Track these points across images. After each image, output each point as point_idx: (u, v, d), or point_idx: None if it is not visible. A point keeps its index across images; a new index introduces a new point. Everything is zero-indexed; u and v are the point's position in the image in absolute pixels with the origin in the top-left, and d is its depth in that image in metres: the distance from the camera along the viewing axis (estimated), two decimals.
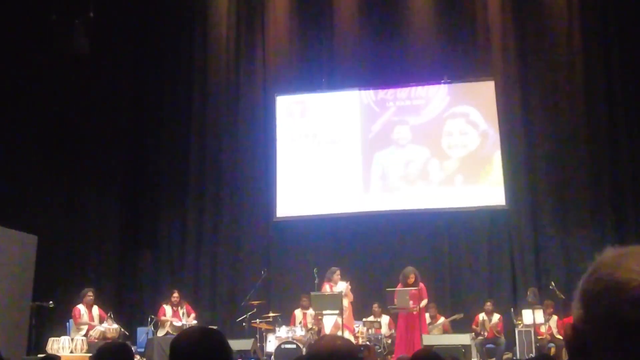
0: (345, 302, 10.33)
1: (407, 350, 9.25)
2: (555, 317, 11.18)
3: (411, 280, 10.20)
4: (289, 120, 13.59)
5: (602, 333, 0.99)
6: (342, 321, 10.01)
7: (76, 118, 13.23)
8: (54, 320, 11.04)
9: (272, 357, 10.16)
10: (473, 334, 11.15)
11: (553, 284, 11.08)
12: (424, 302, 10.33)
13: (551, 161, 12.66)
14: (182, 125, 13.89)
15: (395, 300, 10.05)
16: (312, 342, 9.94)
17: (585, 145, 12.50)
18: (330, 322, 10.23)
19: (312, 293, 10.41)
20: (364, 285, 11.65)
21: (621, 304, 0.97)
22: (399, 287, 10.18)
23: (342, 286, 10.45)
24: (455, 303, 12.32)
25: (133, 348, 10.78)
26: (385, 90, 13.35)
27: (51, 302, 10.63)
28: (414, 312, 10.00)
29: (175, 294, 11.59)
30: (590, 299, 1.02)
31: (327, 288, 10.46)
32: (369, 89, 13.39)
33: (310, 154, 13.39)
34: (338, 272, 10.63)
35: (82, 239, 13.08)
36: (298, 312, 11.45)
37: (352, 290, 10.62)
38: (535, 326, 10.59)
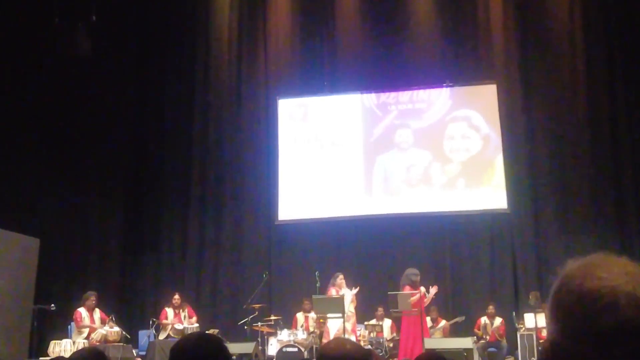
0: (352, 308, 10.34)
1: (411, 354, 9.24)
2: None
3: (419, 279, 10.23)
4: (291, 124, 13.60)
5: (580, 344, 1.00)
6: (350, 326, 10.03)
7: (78, 121, 13.25)
8: (56, 323, 11.04)
9: None
10: (475, 337, 11.14)
11: None
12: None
13: (553, 165, 12.64)
14: (184, 128, 13.90)
15: (398, 303, 10.05)
16: (320, 345, 9.99)
17: (587, 148, 12.48)
18: (335, 326, 10.24)
19: (314, 296, 10.40)
20: (366, 289, 11.62)
21: (595, 313, 0.99)
22: (407, 289, 10.14)
23: (350, 292, 10.45)
24: (457, 306, 12.31)
25: (134, 351, 10.83)
26: (387, 94, 13.35)
27: (53, 305, 10.61)
28: (417, 315, 9.99)
29: (176, 297, 11.61)
30: (564, 312, 1.03)
31: (333, 293, 10.45)
32: (371, 92, 13.38)
33: (312, 157, 13.39)
34: (341, 276, 10.65)
35: (84, 242, 13.10)
36: (300, 316, 11.45)
37: (355, 294, 10.65)
38: (537, 330, 10.56)
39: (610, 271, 1.03)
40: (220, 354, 2.13)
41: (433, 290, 10.33)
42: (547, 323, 1.09)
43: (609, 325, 0.97)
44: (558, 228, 12.39)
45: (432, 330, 11.38)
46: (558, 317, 1.05)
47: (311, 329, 10.77)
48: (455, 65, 13.15)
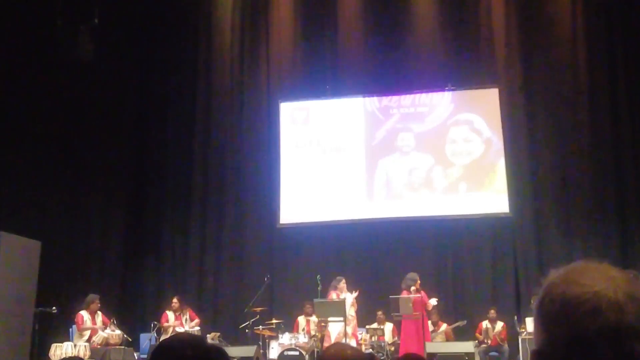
0: (352, 312, 10.34)
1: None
2: None
3: (418, 285, 10.23)
4: (292, 127, 13.60)
5: (564, 351, 1.01)
6: (351, 329, 10.03)
7: (80, 124, 13.26)
8: (57, 326, 11.03)
9: None
10: (476, 341, 11.12)
11: None
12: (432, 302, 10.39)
13: (555, 169, 12.64)
14: (186, 131, 13.91)
15: (399, 307, 10.05)
16: (321, 348, 9.98)
17: (589, 152, 12.48)
18: (336, 329, 10.23)
19: (316, 300, 10.41)
20: (367, 293, 11.62)
21: (580, 318, 1.00)
22: (405, 294, 10.16)
23: (351, 296, 10.47)
24: (459, 310, 12.30)
25: (136, 354, 10.82)
26: (389, 98, 13.35)
27: (54, 308, 10.61)
28: (418, 319, 9.98)
29: (175, 300, 11.57)
30: (549, 321, 1.04)
31: (333, 296, 10.46)
32: (373, 96, 13.39)
33: (314, 161, 13.39)
34: (343, 280, 10.69)
35: (85, 245, 13.09)
36: (301, 319, 11.44)
37: (355, 297, 10.66)
38: None
39: (592, 277, 1.04)
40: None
41: (433, 301, 10.33)
42: (533, 332, 1.10)
43: (592, 330, 0.98)
44: (560, 232, 12.38)
45: (433, 334, 11.35)
46: (543, 325, 1.06)
47: (313, 333, 10.76)
48: (457, 69, 13.15)
